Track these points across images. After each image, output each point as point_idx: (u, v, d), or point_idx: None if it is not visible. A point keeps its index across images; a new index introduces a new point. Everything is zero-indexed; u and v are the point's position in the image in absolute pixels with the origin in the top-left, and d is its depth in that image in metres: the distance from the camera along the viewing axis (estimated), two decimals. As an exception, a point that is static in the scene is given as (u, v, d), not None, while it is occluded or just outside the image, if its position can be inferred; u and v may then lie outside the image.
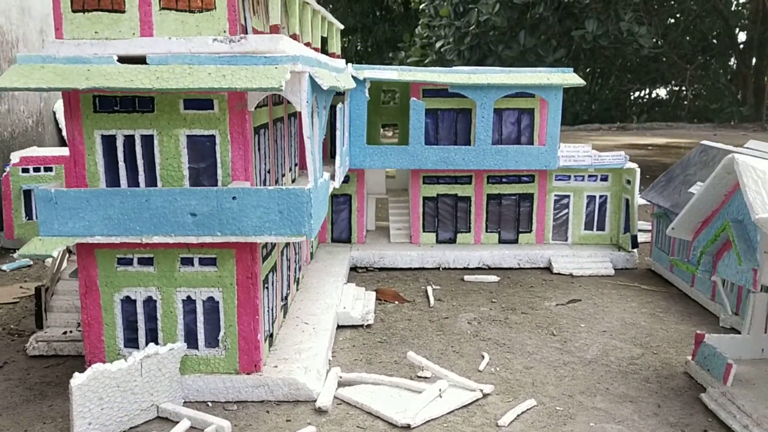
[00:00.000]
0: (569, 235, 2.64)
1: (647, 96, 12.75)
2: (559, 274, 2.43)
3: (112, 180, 1.39)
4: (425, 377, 1.57)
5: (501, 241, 2.63)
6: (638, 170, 2.50)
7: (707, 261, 1.45)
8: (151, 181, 1.39)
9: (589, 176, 2.58)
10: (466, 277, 2.38)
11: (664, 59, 10.38)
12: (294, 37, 1.55)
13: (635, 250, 2.54)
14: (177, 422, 1.36)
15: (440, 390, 1.46)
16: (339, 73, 1.94)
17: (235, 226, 1.33)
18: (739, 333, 1.71)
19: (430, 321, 1.97)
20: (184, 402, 1.44)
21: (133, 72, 1.25)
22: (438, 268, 2.50)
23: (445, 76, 2.40)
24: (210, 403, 1.45)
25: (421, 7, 8.69)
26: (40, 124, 3.18)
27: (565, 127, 10.52)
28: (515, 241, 2.63)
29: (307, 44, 1.74)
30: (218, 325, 1.45)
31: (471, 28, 6.64)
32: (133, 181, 1.39)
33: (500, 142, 2.54)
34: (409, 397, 1.45)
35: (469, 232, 2.62)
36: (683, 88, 12.10)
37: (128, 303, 1.45)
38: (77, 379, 1.26)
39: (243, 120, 1.37)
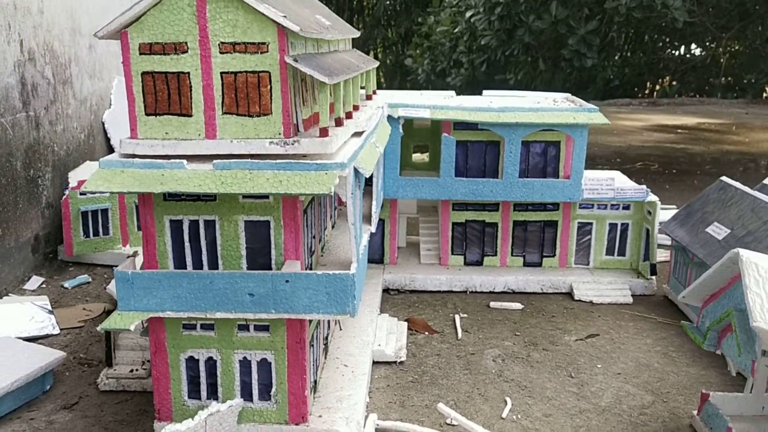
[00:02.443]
0: (591, 259, 2.78)
1: (681, 56, 12.48)
2: (580, 301, 2.59)
3: (179, 257, 1.57)
4: (454, 425, 1.75)
5: (526, 264, 2.78)
6: (659, 203, 2.62)
7: (713, 337, 1.60)
8: (213, 259, 1.57)
9: (612, 205, 2.70)
10: (492, 304, 2.55)
11: (699, 23, 10.19)
12: (338, 121, 1.69)
13: (653, 277, 2.67)
14: (236, 469, 1.56)
15: (467, 443, 1.65)
16: (376, 128, 2.08)
17: (288, 305, 1.51)
18: (746, 377, 1.86)
19: (458, 357, 2.15)
20: (241, 447, 1.64)
21: (201, 177, 1.42)
22: (465, 292, 2.67)
23: (476, 114, 2.53)
24: (263, 449, 1.65)
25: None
26: (91, 137, 3.37)
27: (596, 102, 10.47)
28: (539, 265, 2.78)
29: (349, 114, 1.88)
30: (270, 382, 1.64)
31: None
32: (197, 259, 1.57)
33: (527, 171, 2.67)
34: (438, 448, 1.64)
35: (496, 255, 2.78)
36: (719, 48, 11.84)
37: (192, 362, 1.64)
38: (154, 440, 1.46)
39: (294, 208, 1.53)
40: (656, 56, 12.50)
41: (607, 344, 2.24)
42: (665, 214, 3.38)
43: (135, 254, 1.88)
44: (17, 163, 2.67)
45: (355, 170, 1.56)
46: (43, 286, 2.71)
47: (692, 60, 12.30)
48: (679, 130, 7.58)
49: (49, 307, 2.35)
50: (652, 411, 1.84)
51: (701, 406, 1.73)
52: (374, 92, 2.56)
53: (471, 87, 13.47)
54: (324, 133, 1.50)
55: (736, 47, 12.18)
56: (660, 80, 13.21)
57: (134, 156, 1.49)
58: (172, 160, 1.44)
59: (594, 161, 5.69)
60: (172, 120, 1.49)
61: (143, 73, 1.47)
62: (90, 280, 2.77)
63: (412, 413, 1.82)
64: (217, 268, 1.57)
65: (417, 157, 3.11)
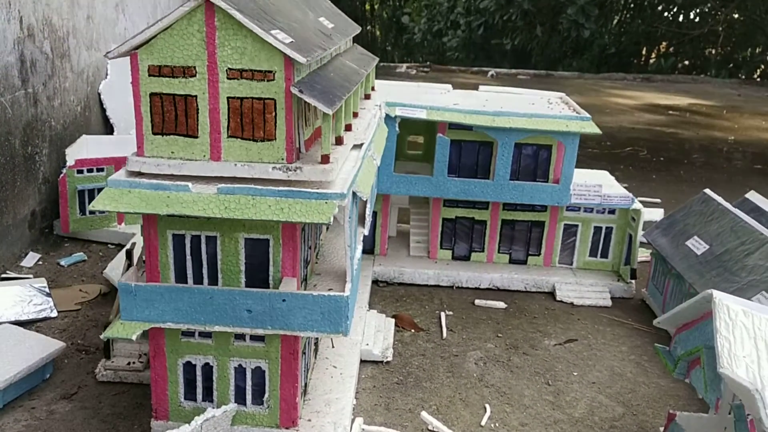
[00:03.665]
0: (575, 260, 2.87)
1: (679, 24, 12.41)
2: (561, 302, 2.68)
3: (180, 270, 1.63)
4: None
5: (511, 261, 2.87)
6: (643, 211, 2.70)
7: (683, 366, 1.69)
8: (213, 272, 1.63)
9: (598, 209, 2.78)
10: (477, 302, 2.64)
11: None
12: (339, 139, 1.73)
13: (633, 281, 2.77)
14: (229, 470, 1.66)
15: (446, 452, 1.75)
16: (375, 135, 2.13)
17: (284, 323, 1.58)
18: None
19: (441, 358, 2.24)
20: (234, 447, 1.74)
21: (205, 200, 1.47)
22: (452, 287, 2.76)
23: (471, 117, 2.57)
24: (254, 449, 1.74)
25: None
26: (87, 109, 3.37)
27: (591, 76, 10.47)
28: (524, 262, 2.87)
29: (348, 126, 1.92)
30: (264, 389, 1.72)
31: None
32: (197, 272, 1.63)
33: (518, 173, 2.73)
34: (420, 456, 1.75)
35: (483, 251, 2.86)
36: (718, 15, 11.77)
37: (189, 366, 1.72)
38: (153, 445, 1.55)
39: (293, 228, 1.59)
40: (655, 26, 12.44)
41: (584, 350, 2.34)
42: (649, 212, 3.47)
43: (134, 245, 1.95)
44: (16, 141, 2.69)
45: (354, 193, 1.61)
46: (40, 263, 2.76)
47: (690, 30, 12.23)
48: (671, 112, 7.63)
49: (47, 290, 2.40)
50: (622, 424, 1.95)
51: (668, 424, 1.84)
52: (372, 88, 2.59)
53: (467, 49, 13.40)
54: (325, 159, 1.55)
55: (735, 16, 12.10)
56: (656, 49, 13.16)
57: (141, 174, 1.53)
58: (178, 183, 1.49)
59: (585, 144, 5.74)
60: (179, 140, 1.54)
61: (151, 94, 1.51)
62: (86, 258, 2.83)
63: (396, 417, 1.92)
64: (216, 282, 1.63)
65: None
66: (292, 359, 1.69)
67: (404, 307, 2.59)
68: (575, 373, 2.20)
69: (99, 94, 3.53)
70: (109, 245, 2.97)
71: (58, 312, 2.37)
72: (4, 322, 2.21)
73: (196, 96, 1.50)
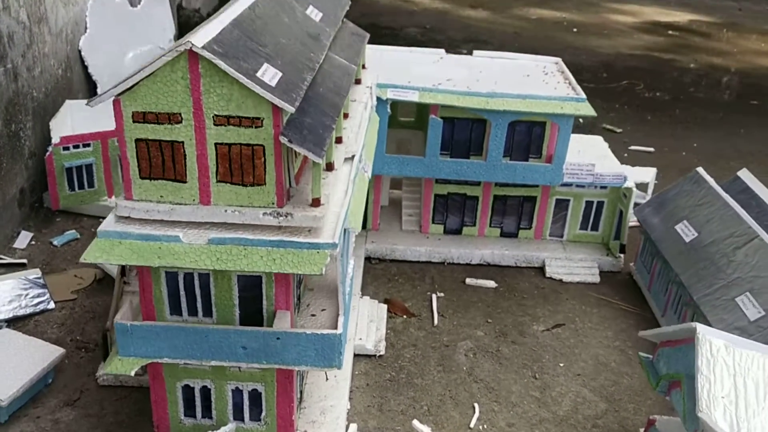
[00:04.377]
0: (565, 232, 2.89)
1: None
2: (551, 278, 2.73)
3: (175, 304, 1.64)
4: (425, 436, 1.94)
5: (503, 235, 2.89)
6: (634, 190, 2.70)
7: (664, 385, 1.75)
8: (207, 306, 1.65)
9: (590, 185, 2.78)
10: (468, 281, 2.68)
11: None
12: (329, 166, 1.71)
13: (622, 255, 2.81)
14: (230, 484, 1.74)
15: (437, 462, 1.84)
16: (367, 133, 2.09)
17: (278, 358, 1.62)
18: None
19: (432, 348, 2.31)
20: (233, 458, 1.82)
21: (196, 252, 1.47)
22: (443, 263, 2.80)
23: (464, 99, 2.52)
24: (254, 461, 1.83)
25: None
26: (68, 69, 3.27)
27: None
28: (515, 235, 2.89)
29: (339, 139, 1.89)
30: (261, 408, 1.78)
31: None
32: (191, 306, 1.65)
33: (511, 149, 2.70)
34: (411, 466, 1.84)
35: (475, 225, 2.88)
36: None
37: (187, 389, 1.77)
38: (156, 473, 1.62)
39: (286, 265, 1.59)
40: None
41: (571, 336, 2.41)
42: (641, 173, 3.48)
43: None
44: (-2, 122, 2.63)
45: (345, 233, 1.61)
46: (33, 242, 2.76)
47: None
48: (670, 32, 7.43)
49: (42, 281, 2.42)
50: (604, 422, 2.05)
51: (647, 428, 1.93)
52: (363, 66, 2.52)
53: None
54: (316, 203, 1.53)
55: None
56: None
57: (129, 218, 1.52)
58: (168, 233, 1.48)
59: (581, 75, 5.63)
60: (167, 185, 1.51)
61: (137, 140, 1.47)
62: (78, 236, 2.83)
63: (389, 419, 2.00)
64: (211, 315, 1.66)
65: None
66: (287, 383, 1.74)
67: (396, 287, 2.63)
68: (561, 365, 2.27)
69: (80, 51, 3.41)
70: (100, 219, 2.95)
71: (55, 303, 2.40)
72: (2, 321, 2.25)
73: (183, 142, 1.47)
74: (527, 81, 2.71)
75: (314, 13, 2.09)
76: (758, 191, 2.52)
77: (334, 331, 1.60)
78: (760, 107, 5.10)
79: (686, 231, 2.45)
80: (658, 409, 2.06)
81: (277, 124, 1.45)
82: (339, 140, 1.88)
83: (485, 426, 2.00)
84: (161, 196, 1.52)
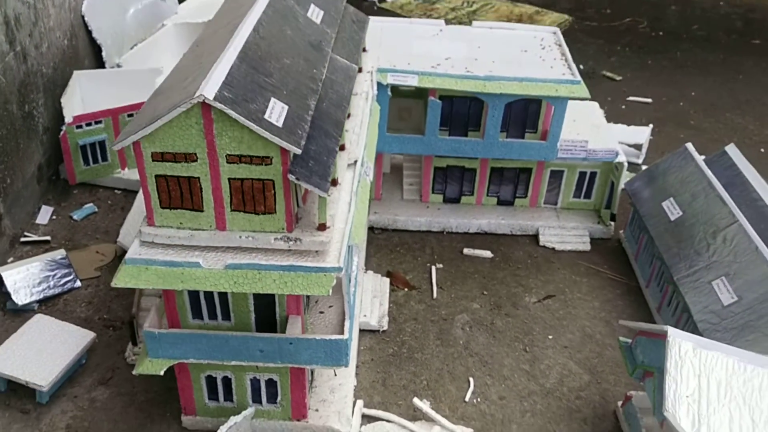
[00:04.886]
0: (559, 200, 3.03)
1: None
2: (544, 247, 2.90)
3: (196, 310, 1.82)
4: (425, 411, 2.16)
5: (499, 203, 3.03)
6: (626, 164, 2.82)
7: (640, 373, 1.95)
8: (225, 311, 1.82)
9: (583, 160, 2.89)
10: (465, 251, 2.85)
11: None
12: (334, 182, 1.83)
13: (612, 223, 2.96)
14: (251, 459, 1.98)
15: (434, 437, 2.07)
16: (369, 129, 2.20)
17: (292, 359, 1.81)
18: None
19: (432, 322, 2.50)
20: (253, 434, 2.05)
21: (215, 276, 1.63)
22: (443, 232, 2.96)
23: (462, 83, 2.60)
24: (271, 437, 2.06)
25: None
26: (73, 37, 3.33)
27: None
28: (512, 204, 3.03)
29: (342, 146, 2.00)
30: (277, 394, 1.99)
31: None
32: (212, 312, 1.82)
33: (507, 126, 2.80)
34: (412, 440, 2.06)
35: (473, 195, 3.01)
36: None
37: (210, 378, 1.97)
38: (188, 457, 1.85)
39: (296, 278, 1.76)
40: None
41: (560, 308, 2.60)
42: (636, 132, 3.58)
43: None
44: (13, 106, 2.73)
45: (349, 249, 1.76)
46: (54, 217, 2.92)
47: None
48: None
49: (68, 261, 2.60)
50: (587, 394, 2.26)
51: (624, 403, 2.14)
52: (364, 49, 2.58)
53: None
54: (322, 227, 1.68)
55: None
56: None
57: (153, 243, 1.67)
58: (189, 259, 1.63)
59: (584, 11, 5.61)
60: (186, 213, 1.66)
61: (157, 176, 1.60)
62: (96, 209, 2.98)
63: (392, 395, 2.22)
64: (229, 319, 1.83)
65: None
66: (300, 373, 1.94)
67: (398, 258, 2.80)
68: (550, 337, 2.47)
69: (83, 17, 3.44)
70: (115, 190, 3.11)
71: (81, 281, 2.59)
72: (34, 302, 2.44)
73: (198, 177, 1.60)
74: (525, 58, 2.77)
75: (315, 14, 2.16)
76: (743, 169, 2.62)
77: (341, 337, 1.78)
78: (761, 47, 5.09)
79: (672, 209, 2.58)
80: (634, 385, 2.26)
81: (285, 162, 1.57)
82: (342, 148, 2.00)
83: (479, 399, 2.22)
84: (181, 223, 1.67)
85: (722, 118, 4.07)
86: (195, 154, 1.57)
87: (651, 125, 3.72)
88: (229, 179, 1.60)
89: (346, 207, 1.82)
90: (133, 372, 1.85)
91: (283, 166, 1.57)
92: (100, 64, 3.56)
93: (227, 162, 1.58)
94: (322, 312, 1.98)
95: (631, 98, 4.23)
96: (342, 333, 1.82)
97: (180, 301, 1.80)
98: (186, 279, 1.63)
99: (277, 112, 1.57)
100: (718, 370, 1.75)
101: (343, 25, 2.36)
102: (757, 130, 3.96)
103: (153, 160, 1.58)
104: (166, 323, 1.85)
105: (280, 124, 1.55)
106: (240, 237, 1.66)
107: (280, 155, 1.56)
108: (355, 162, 1.99)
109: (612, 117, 3.95)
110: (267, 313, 1.83)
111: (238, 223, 1.66)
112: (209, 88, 1.48)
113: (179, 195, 1.63)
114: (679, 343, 1.76)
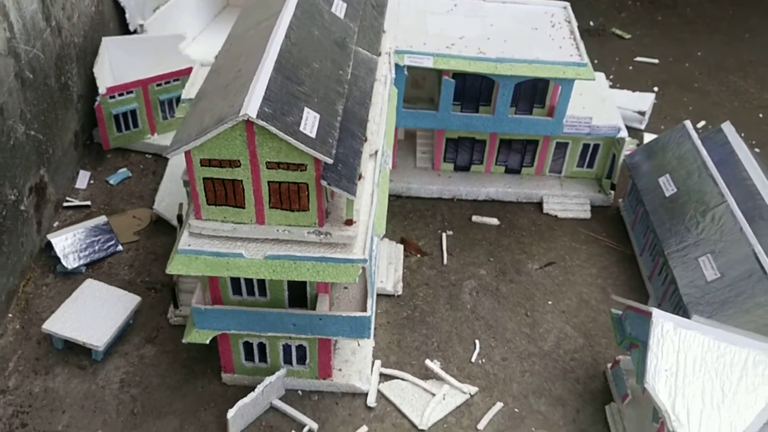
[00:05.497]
0: (563, 169, 3.23)
1: None
2: (547, 214, 3.11)
3: (236, 287, 2.06)
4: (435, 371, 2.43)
5: (507, 171, 3.23)
6: (627, 140, 3.00)
7: (627, 344, 2.20)
8: (262, 288, 2.07)
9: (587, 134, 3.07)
10: (474, 218, 3.07)
11: None
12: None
13: (612, 192, 3.17)
14: (283, 412, 2.27)
15: (444, 395, 2.34)
16: (387, 118, 2.39)
17: (321, 331, 2.07)
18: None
19: (442, 287, 2.75)
20: (285, 390, 2.33)
21: (257, 265, 1.86)
22: (453, 200, 3.17)
23: (475, 64, 2.76)
24: (300, 392, 2.34)
25: None
26: (99, 3, 3.45)
27: None
28: (519, 172, 3.23)
29: (365, 138, 2.19)
30: (305, 357, 2.26)
31: None
32: (249, 288, 2.06)
33: (516, 102, 2.97)
34: (425, 397, 2.34)
35: (482, 164, 3.21)
36: None
37: (247, 344, 2.24)
38: (232, 412, 2.13)
39: (325, 263, 1.99)
40: None
41: (560, 275, 2.84)
42: (639, 99, 3.72)
43: (180, 206, 2.33)
44: (51, 80, 2.90)
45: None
46: (91, 182, 3.14)
47: None
48: None
49: (109, 227, 2.83)
50: (580, 356, 2.53)
51: (613, 366, 2.41)
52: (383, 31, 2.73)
53: None
54: (349, 222, 1.90)
55: None
56: None
57: (200, 235, 1.90)
58: (233, 250, 1.86)
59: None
60: (229, 209, 1.88)
61: (204, 178, 1.81)
62: (130, 174, 3.20)
63: (406, 355, 2.49)
64: (265, 295, 2.08)
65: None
66: (326, 341, 2.20)
67: (411, 225, 3.03)
68: (550, 302, 2.72)
69: (108, -20, 3.55)
70: (146, 155, 3.31)
71: (122, 245, 2.83)
72: (82, 266, 2.69)
73: (241, 180, 1.81)
74: (534, 37, 2.91)
75: (339, 8, 2.31)
76: (736, 148, 2.80)
77: (364, 314, 2.03)
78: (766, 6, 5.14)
79: (667, 185, 2.78)
80: (622, 350, 2.52)
81: (318, 168, 1.77)
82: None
83: (483, 360, 2.49)
84: (224, 217, 1.89)
85: (726, 80, 4.19)
86: (239, 160, 1.77)
87: (655, 89, 3.86)
88: (269, 182, 1.81)
89: (369, 199, 2.04)
90: (183, 340, 2.11)
91: (316, 172, 1.78)
92: (124, 26, 3.69)
93: (267, 168, 1.78)
94: (346, 287, 2.22)
95: (638, 59, 4.34)
96: (365, 310, 2.07)
97: (222, 280, 2.04)
98: (231, 267, 1.86)
99: (310, 122, 1.76)
100: (695, 347, 1.99)
101: (364, 13, 2.50)
102: (758, 93, 4.09)
103: (201, 165, 1.78)
104: (209, 298, 2.09)
105: (313, 134, 1.74)
106: (277, 230, 1.88)
107: (314, 163, 1.76)
108: (376, 152, 2.19)
109: (618, 79, 4.09)
110: (299, 291, 2.07)
111: (276, 218, 1.88)
112: (252, 107, 1.67)
113: (224, 194, 1.84)
114: (662, 323, 2.00)
